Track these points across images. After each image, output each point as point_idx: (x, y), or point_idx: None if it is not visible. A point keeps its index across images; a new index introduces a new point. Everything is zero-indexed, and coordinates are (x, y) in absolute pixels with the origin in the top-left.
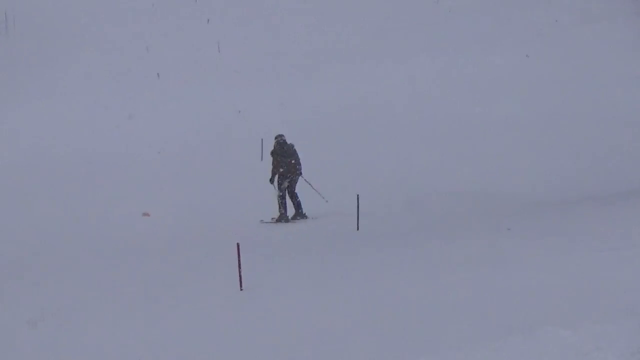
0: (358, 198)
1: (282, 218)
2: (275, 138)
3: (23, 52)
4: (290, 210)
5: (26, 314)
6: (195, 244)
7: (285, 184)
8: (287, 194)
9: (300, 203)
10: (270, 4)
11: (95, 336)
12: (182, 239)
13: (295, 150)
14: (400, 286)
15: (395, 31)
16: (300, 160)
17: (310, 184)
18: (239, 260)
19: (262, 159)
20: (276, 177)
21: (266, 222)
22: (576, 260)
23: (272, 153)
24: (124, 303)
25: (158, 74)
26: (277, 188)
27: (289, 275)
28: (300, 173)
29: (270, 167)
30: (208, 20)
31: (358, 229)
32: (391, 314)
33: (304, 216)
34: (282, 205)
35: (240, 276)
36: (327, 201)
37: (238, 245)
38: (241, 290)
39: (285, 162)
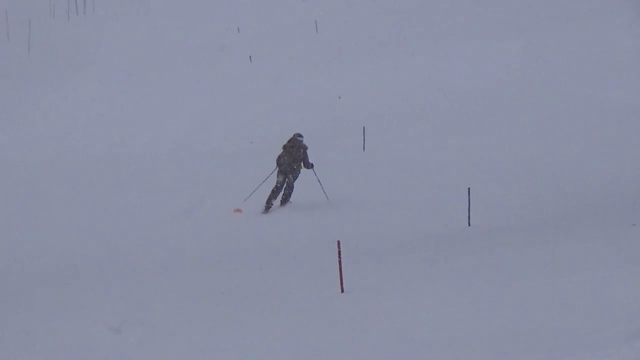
0: (469, 191)
1: (266, 209)
2: (295, 136)
3: (98, 31)
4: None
5: (108, 320)
6: (291, 242)
7: (280, 178)
8: (283, 188)
9: (289, 195)
10: None
11: (183, 343)
12: (277, 236)
13: (306, 154)
14: (524, 289)
15: (493, 8)
16: (308, 163)
17: (319, 180)
18: (340, 260)
19: (364, 149)
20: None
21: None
22: None
23: (283, 147)
24: (214, 308)
25: (250, 56)
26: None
27: (394, 276)
28: (304, 165)
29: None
30: None
31: (469, 225)
32: (508, 318)
33: (282, 204)
34: (270, 200)
35: (341, 277)
36: (329, 200)
37: (339, 243)
38: (342, 292)
39: (287, 161)
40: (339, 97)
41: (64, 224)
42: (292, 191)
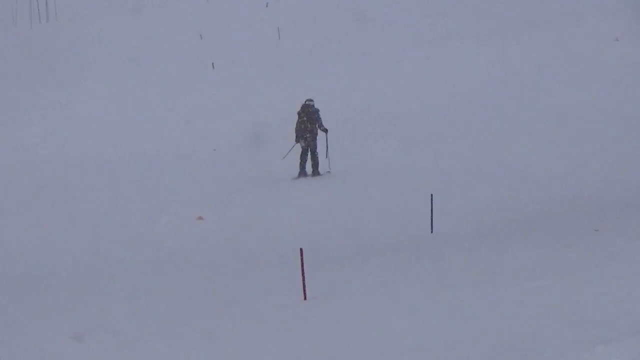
0: (432, 198)
1: (300, 174)
2: (306, 101)
3: (62, 38)
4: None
5: (72, 328)
6: (255, 250)
7: (302, 143)
8: (308, 153)
9: (318, 163)
10: None
11: (146, 351)
12: (240, 244)
13: (319, 115)
14: (486, 294)
15: (467, 14)
16: (323, 126)
17: (327, 147)
18: (302, 267)
19: (327, 156)
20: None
21: (293, 179)
22: None
23: (298, 113)
24: (178, 316)
25: (213, 63)
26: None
27: (357, 283)
28: (319, 132)
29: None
30: (267, 3)
31: (432, 231)
32: (470, 325)
33: (318, 174)
34: (301, 164)
35: (304, 285)
36: (329, 168)
37: (301, 250)
38: (305, 300)
39: (304, 124)
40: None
41: (27, 230)
42: (319, 160)
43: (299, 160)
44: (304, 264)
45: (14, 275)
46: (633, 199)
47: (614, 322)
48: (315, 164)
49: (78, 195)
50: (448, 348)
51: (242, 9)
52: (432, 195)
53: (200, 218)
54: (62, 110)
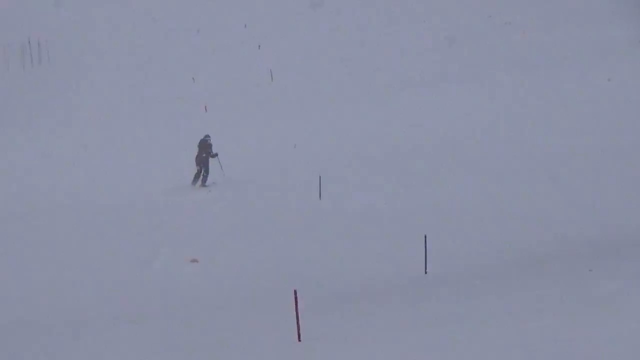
0: (426, 239)
1: (193, 184)
2: (204, 136)
3: (49, 85)
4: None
5: None
6: (249, 291)
7: (198, 167)
8: (201, 174)
9: (206, 179)
10: (327, 26)
11: None
12: (234, 286)
13: (211, 147)
14: (481, 336)
15: (457, 55)
16: (213, 153)
17: (221, 166)
18: (297, 308)
19: (320, 197)
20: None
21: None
22: None
23: (197, 146)
24: (171, 358)
25: (205, 106)
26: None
27: (351, 324)
28: (210, 156)
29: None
30: (259, 46)
31: (426, 272)
32: None
33: (205, 185)
34: (194, 179)
35: (298, 326)
36: (225, 176)
37: (295, 292)
38: (299, 341)
39: (200, 155)
40: (295, 146)
41: (19, 277)
42: (208, 175)
43: (193, 178)
44: (299, 305)
45: (5, 322)
46: (625, 240)
47: None
48: (204, 179)
49: (68, 240)
50: None
51: (235, 52)
52: (425, 236)
53: (194, 260)
54: (52, 154)
